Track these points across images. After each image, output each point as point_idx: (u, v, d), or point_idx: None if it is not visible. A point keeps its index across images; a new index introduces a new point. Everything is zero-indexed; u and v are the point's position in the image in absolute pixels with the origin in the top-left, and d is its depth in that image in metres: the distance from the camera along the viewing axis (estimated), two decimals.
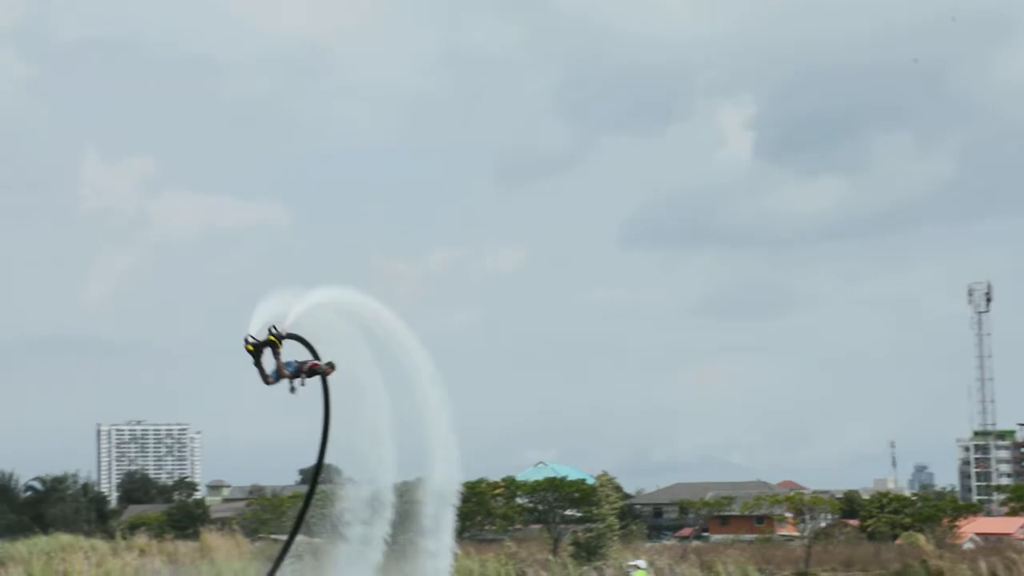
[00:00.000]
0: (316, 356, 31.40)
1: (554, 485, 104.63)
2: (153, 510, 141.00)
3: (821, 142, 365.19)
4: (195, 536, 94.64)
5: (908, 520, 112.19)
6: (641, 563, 42.51)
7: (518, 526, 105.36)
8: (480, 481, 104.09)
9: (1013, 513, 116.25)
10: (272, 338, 30.78)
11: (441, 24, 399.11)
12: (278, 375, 30.62)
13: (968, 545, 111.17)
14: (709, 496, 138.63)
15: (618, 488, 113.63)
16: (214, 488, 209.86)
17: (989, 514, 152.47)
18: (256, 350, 30.66)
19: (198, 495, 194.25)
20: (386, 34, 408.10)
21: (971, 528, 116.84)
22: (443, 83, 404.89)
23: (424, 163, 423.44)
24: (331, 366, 31.27)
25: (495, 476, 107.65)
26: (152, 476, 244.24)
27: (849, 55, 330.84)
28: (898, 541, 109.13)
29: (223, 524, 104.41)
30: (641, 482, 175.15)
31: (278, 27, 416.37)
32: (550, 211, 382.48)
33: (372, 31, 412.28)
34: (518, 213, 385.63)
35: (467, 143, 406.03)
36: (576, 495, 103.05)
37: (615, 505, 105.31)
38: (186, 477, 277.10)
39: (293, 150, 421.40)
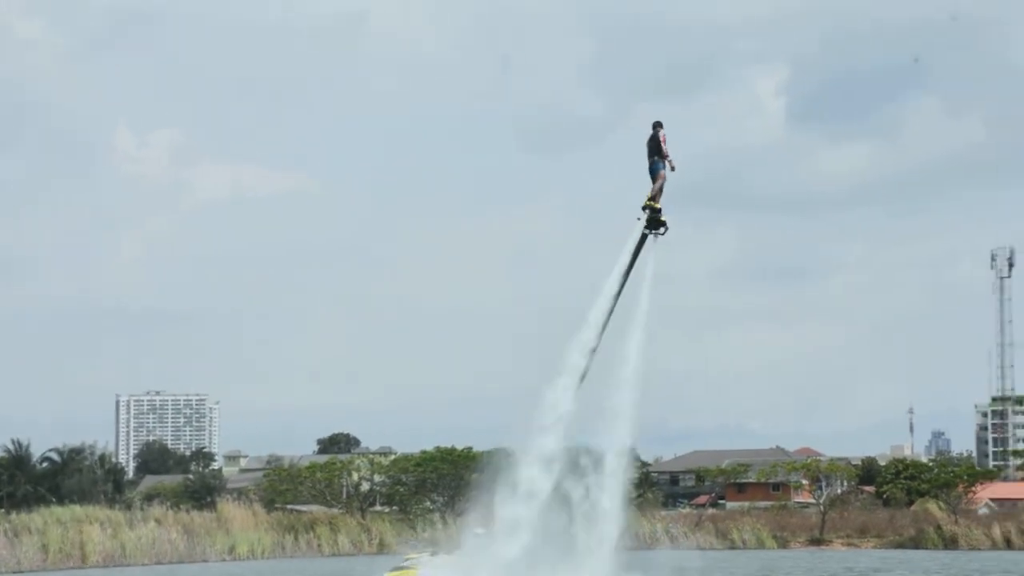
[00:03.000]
0: None
1: (568, 454, 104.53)
2: (170, 480, 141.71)
3: (851, 107, 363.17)
4: (212, 506, 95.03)
5: (924, 486, 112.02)
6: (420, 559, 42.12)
7: None
8: (499, 448, 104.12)
9: None
10: None
11: None
12: None
13: (983, 510, 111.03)
14: (726, 464, 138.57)
15: (636, 456, 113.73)
16: (231, 458, 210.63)
17: (1006, 480, 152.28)
18: None
19: (215, 465, 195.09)
20: (417, 2, 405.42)
21: (987, 494, 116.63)
22: (473, 48, 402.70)
23: (454, 129, 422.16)
24: None
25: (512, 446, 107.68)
26: (170, 447, 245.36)
27: (879, 19, 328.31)
28: (913, 507, 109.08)
29: (240, 494, 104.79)
30: (658, 450, 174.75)
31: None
32: (580, 178, 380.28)
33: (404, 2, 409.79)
34: (548, 180, 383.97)
35: (497, 109, 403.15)
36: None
37: (632, 473, 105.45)
38: (203, 447, 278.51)
39: (321, 118, 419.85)
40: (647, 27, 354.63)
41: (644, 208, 35.90)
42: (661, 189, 35.95)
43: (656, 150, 35.59)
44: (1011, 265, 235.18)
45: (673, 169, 35.69)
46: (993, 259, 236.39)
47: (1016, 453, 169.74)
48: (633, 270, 36.23)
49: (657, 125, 35.64)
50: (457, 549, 42.89)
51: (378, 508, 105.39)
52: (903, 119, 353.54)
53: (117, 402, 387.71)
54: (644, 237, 36.08)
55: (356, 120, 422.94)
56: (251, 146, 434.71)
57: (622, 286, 36.06)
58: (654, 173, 35.74)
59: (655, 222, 35.98)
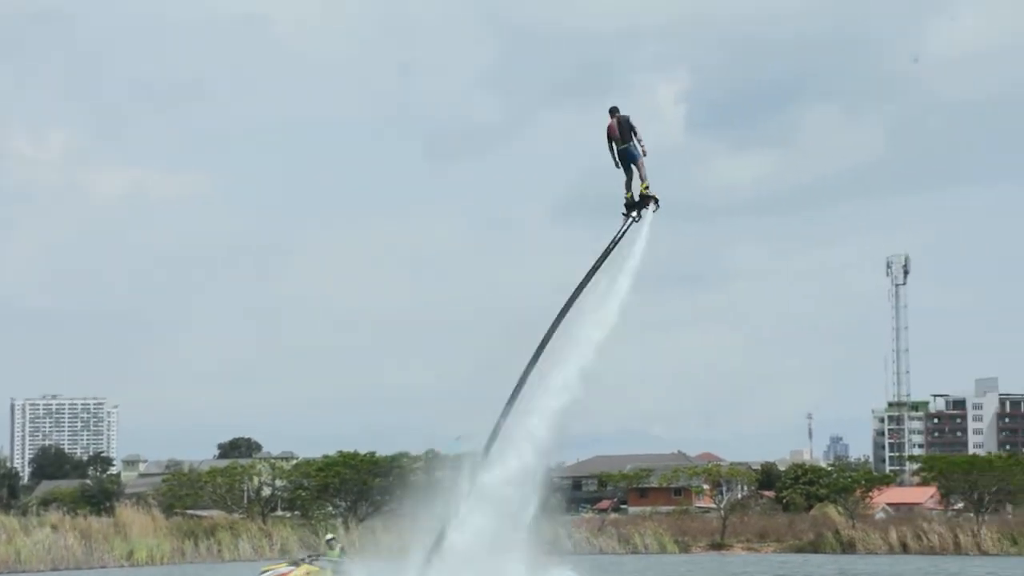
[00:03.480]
0: None
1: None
2: (67, 485, 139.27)
3: (751, 116, 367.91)
4: (110, 512, 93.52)
5: (823, 491, 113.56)
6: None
7: None
8: (401, 455, 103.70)
9: (924, 483, 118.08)
10: None
11: None
12: None
13: (880, 515, 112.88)
14: (628, 468, 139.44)
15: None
16: (130, 463, 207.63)
17: (902, 484, 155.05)
18: None
19: (113, 470, 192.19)
20: (319, 5, 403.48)
21: (884, 499, 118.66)
22: (376, 53, 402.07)
23: (356, 135, 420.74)
24: None
25: (416, 450, 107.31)
26: (67, 451, 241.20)
27: (779, 29, 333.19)
28: (812, 512, 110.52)
29: (139, 499, 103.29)
30: (560, 454, 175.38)
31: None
32: (483, 185, 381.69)
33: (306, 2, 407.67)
34: (451, 187, 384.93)
35: (399, 115, 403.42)
36: None
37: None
38: (101, 452, 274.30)
39: (222, 119, 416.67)
40: (546, 38, 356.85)
41: (641, 197, 34.18)
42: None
43: (630, 133, 33.52)
44: (906, 272, 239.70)
45: (645, 154, 33.97)
46: (889, 267, 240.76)
47: (912, 458, 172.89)
48: (615, 256, 34.52)
49: (617, 110, 33.78)
50: (319, 559, 42.08)
51: (280, 513, 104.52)
52: (801, 127, 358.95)
53: (12, 406, 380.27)
54: (632, 221, 34.46)
55: (257, 121, 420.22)
56: (150, 147, 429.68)
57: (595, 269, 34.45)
58: (633, 158, 33.83)
59: (648, 199, 34.33)
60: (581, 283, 34.45)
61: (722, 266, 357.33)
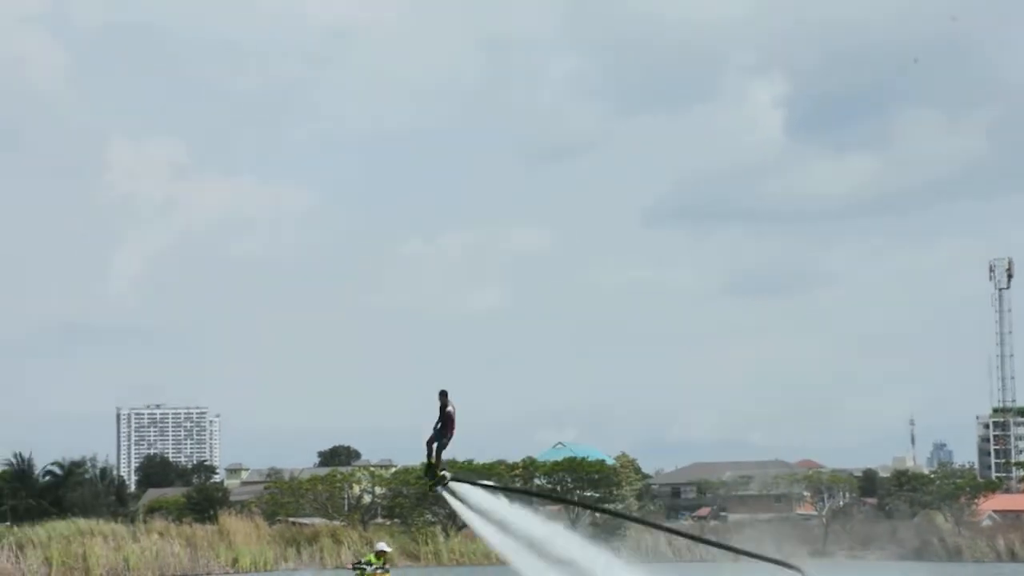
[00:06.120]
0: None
1: (573, 466, 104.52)
2: (172, 493, 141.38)
3: (850, 120, 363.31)
4: (214, 519, 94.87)
5: (927, 498, 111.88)
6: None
7: (537, 507, 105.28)
8: (499, 462, 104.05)
9: None
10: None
11: (469, 6, 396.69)
12: None
13: (987, 522, 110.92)
14: (727, 476, 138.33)
15: (637, 469, 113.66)
16: (232, 471, 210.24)
17: (1008, 491, 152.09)
18: None
19: (217, 478, 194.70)
20: (412, 18, 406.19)
21: (990, 505, 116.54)
22: (471, 65, 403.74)
23: (451, 146, 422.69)
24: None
25: (514, 457, 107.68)
26: (171, 459, 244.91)
27: (879, 33, 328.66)
28: (916, 519, 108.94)
29: (242, 507, 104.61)
30: (660, 462, 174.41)
31: (303, 12, 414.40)
32: (576, 193, 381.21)
33: (398, 15, 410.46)
34: (544, 195, 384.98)
35: (494, 125, 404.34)
36: (595, 476, 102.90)
37: (634, 486, 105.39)
38: (205, 460, 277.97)
39: (316, 134, 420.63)
40: (642, 44, 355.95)
41: (440, 477, 34.83)
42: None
43: (449, 424, 34.29)
44: (1010, 276, 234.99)
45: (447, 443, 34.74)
46: (991, 270, 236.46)
47: (1019, 464, 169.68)
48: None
49: (445, 395, 34.31)
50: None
51: (380, 520, 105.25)
52: (901, 129, 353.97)
53: (118, 415, 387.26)
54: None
55: (353, 133, 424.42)
56: (248, 160, 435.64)
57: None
58: (442, 446, 34.65)
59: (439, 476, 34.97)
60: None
61: (822, 271, 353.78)
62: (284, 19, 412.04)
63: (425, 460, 34.88)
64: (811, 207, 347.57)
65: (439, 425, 34.39)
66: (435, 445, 34.49)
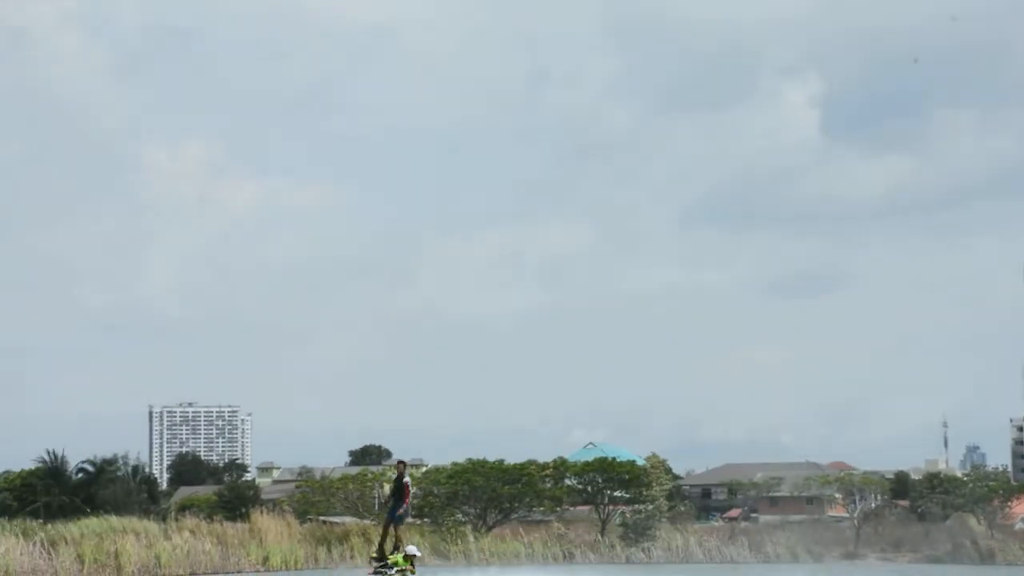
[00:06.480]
0: None
1: (603, 466, 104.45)
2: (204, 491, 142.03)
3: (886, 121, 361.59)
4: (245, 517, 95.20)
5: (960, 500, 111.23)
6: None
7: (566, 507, 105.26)
8: (529, 463, 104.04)
9: None
10: None
11: (508, 3, 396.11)
12: None
13: (1020, 525, 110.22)
14: (758, 477, 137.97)
15: (668, 469, 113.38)
16: (264, 470, 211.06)
17: None
18: None
19: (248, 477, 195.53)
20: (451, 15, 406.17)
21: (1023, 508, 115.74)
22: (510, 62, 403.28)
23: (486, 145, 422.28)
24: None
25: (544, 457, 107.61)
26: (203, 458, 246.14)
27: (916, 36, 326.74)
28: (948, 522, 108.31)
29: (273, 506, 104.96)
30: (690, 463, 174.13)
31: (341, 8, 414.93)
32: (612, 193, 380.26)
33: (437, 12, 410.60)
34: (581, 194, 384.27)
35: (532, 124, 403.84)
36: (626, 476, 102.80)
37: (664, 486, 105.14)
38: (236, 459, 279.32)
39: (353, 132, 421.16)
40: (678, 44, 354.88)
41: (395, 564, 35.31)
42: None
43: (401, 494, 34.94)
44: None
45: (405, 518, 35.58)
46: None
47: None
48: None
49: (404, 464, 35.42)
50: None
51: (410, 520, 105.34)
52: (938, 130, 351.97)
53: (150, 413, 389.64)
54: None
55: (386, 130, 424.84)
56: (280, 158, 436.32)
57: None
58: (399, 520, 35.52)
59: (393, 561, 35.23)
60: None
61: (855, 272, 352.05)
62: (322, 16, 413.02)
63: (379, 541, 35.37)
64: (846, 208, 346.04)
65: (393, 496, 34.63)
66: (392, 526, 34.65)
